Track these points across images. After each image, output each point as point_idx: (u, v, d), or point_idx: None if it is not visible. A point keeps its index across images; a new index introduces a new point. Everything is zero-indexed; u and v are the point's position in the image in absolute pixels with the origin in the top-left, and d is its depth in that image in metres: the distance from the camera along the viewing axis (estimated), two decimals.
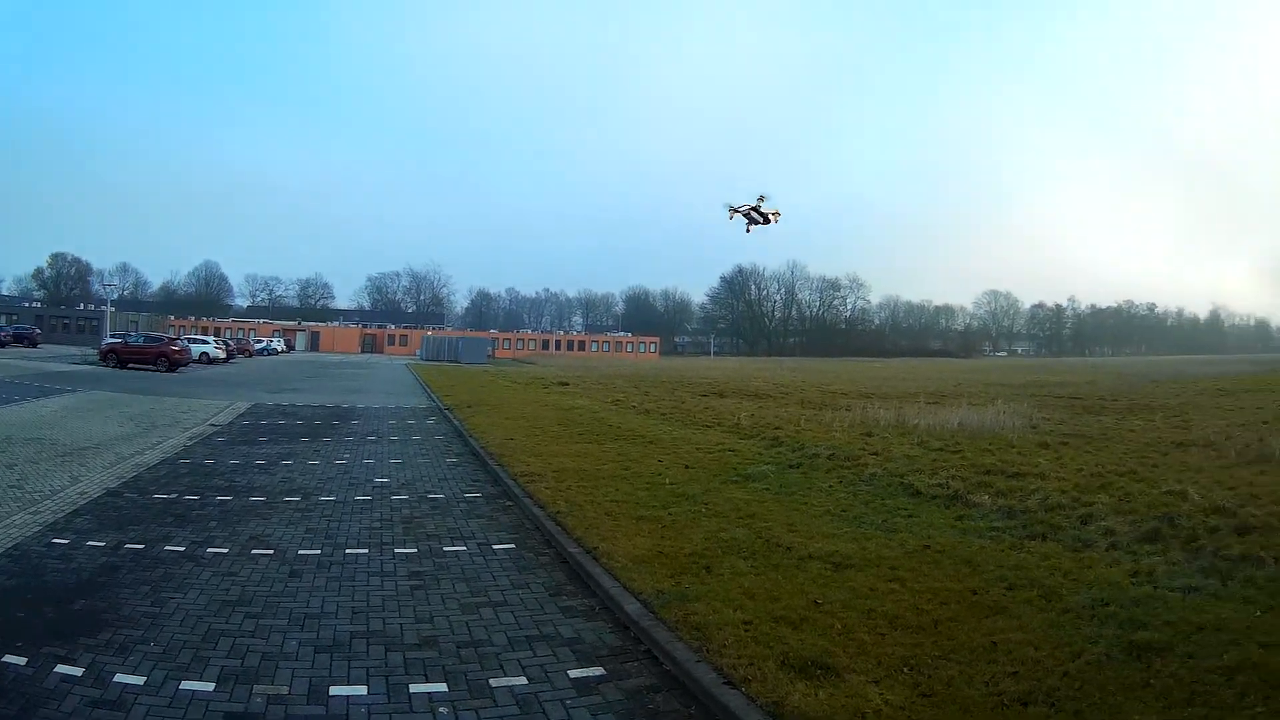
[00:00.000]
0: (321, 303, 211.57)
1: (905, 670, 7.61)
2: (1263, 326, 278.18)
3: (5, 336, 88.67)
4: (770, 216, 29.84)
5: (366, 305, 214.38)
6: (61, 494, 15.42)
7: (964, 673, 7.52)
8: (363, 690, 7.65)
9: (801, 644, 8.17)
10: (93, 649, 8.30)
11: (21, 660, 7.93)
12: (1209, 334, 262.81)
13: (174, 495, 15.92)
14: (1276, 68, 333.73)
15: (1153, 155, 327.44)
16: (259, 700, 7.34)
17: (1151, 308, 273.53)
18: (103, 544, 12.25)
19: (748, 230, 29.97)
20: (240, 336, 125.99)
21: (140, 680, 7.62)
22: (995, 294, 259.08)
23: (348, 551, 12.53)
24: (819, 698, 7.05)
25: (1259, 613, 8.88)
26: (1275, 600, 9.25)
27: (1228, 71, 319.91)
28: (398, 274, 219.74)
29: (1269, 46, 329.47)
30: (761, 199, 29.74)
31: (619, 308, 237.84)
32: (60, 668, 7.80)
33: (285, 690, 7.56)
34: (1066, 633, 8.45)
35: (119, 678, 7.65)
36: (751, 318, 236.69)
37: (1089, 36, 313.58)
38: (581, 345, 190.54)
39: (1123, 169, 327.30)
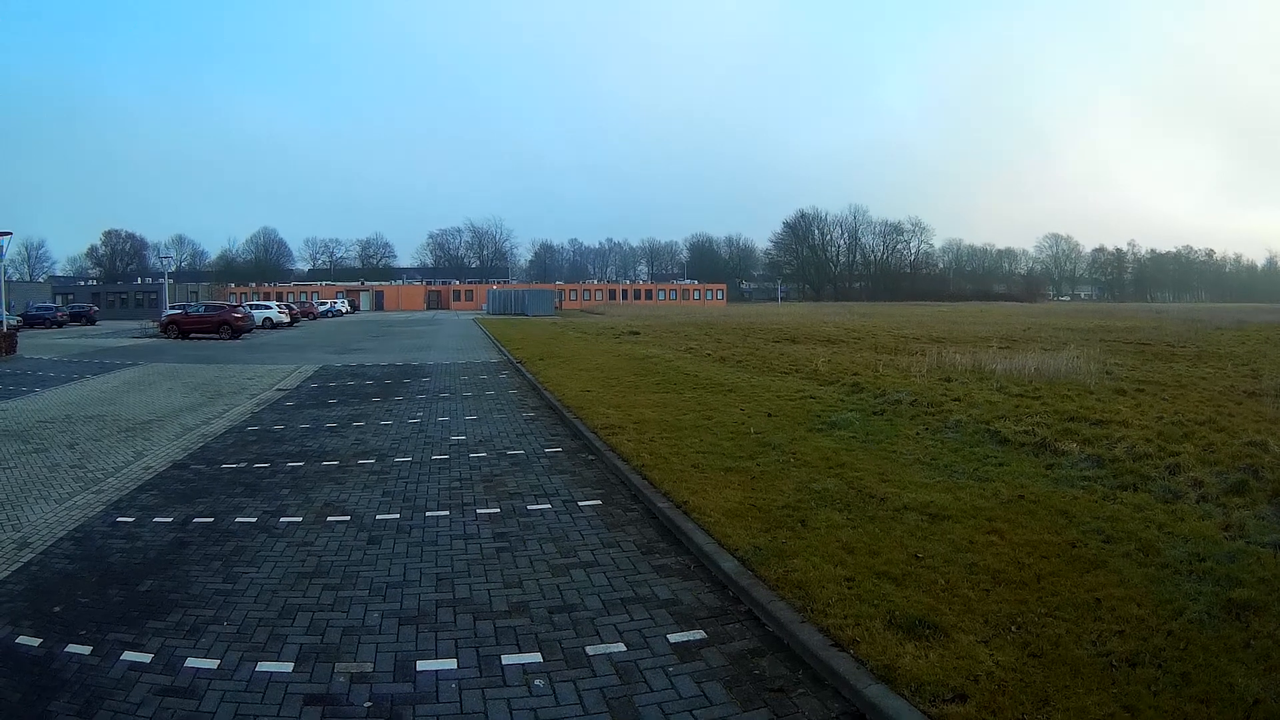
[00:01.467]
0: (384, 262, 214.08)
1: (1012, 629, 7.42)
2: None
3: (62, 316, 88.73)
4: None
5: (429, 262, 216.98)
6: (125, 470, 15.22)
7: (1071, 631, 7.33)
8: (452, 664, 7.31)
9: (906, 601, 7.95)
10: (162, 633, 8.02)
11: (86, 650, 7.66)
12: (1266, 281, 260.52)
13: (243, 464, 15.71)
14: None
15: (1199, 98, 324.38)
16: (341, 680, 7.02)
17: (1210, 254, 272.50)
18: (170, 520, 12.02)
19: None
20: (303, 300, 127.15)
21: (213, 664, 7.31)
22: (1057, 238, 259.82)
23: (428, 514, 12.25)
24: (930, 659, 6.84)
25: None
26: None
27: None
28: (459, 230, 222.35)
29: None
30: None
31: (683, 255, 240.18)
32: (128, 654, 7.50)
33: (369, 667, 7.24)
34: (1167, 589, 8.22)
35: (190, 662, 7.35)
36: (816, 263, 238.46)
37: None
38: (648, 294, 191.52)
39: (1175, 110, 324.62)
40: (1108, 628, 7.34)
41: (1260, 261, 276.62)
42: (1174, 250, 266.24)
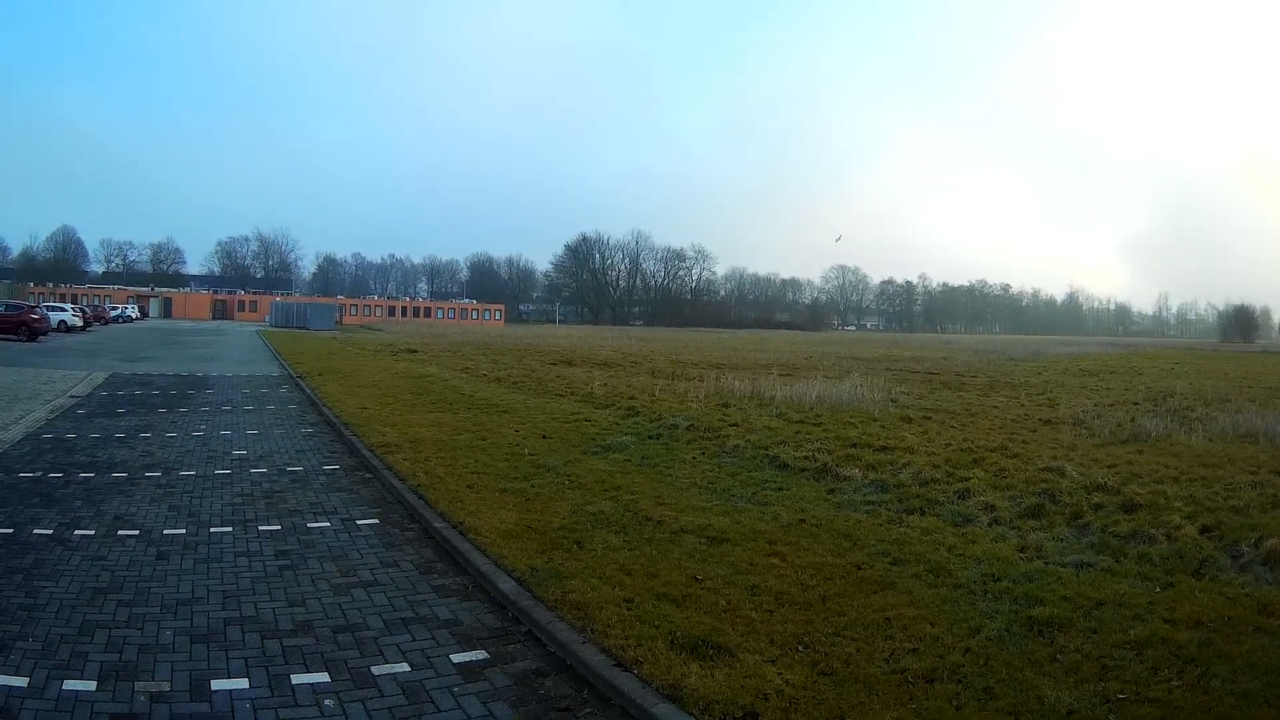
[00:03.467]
0: (174, 268, 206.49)
1: (800, 648, 7.46)
2: (1123, 310, 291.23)
3: None
4: None
5: (216, 270, 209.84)
6: None
7: (861, 650, 7.41)
8: (244, 683, 7.26)
9: (688, 622, 8.00)
10: None
11: None
12: (1067, 315, 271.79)
13: (39, 473, 15.19)
14: (1129, 47, 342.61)
15: (1004, 134, 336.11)
16: (142, 699, 6.92)
17: (1006, 288, 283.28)
18: None
19: None
20: (96, 303, 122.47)
21: (23, 681, 7.14)
22: (844, 269, 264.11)
23: (213, 530, 12.04)
24: (716, 679, 6.86)
25: (1159, 589, 8.96)
26: (1173, 577, 9.34)
27: (1080, 50, 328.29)
28: (247, 238, 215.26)
29: (1116, 24, 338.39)
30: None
31: (463, 274, 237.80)
32: None
33: (167, 686, 7.15)
34: (961, 608, 8.39)
35: (1, 679, 7.16)
36: (596, 286, 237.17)
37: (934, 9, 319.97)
38: (428, 312, 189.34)
39: (974, 148, 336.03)
40: (900, 646, 7.45)
41: (1060, 296, 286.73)
42: (968, 284, 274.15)
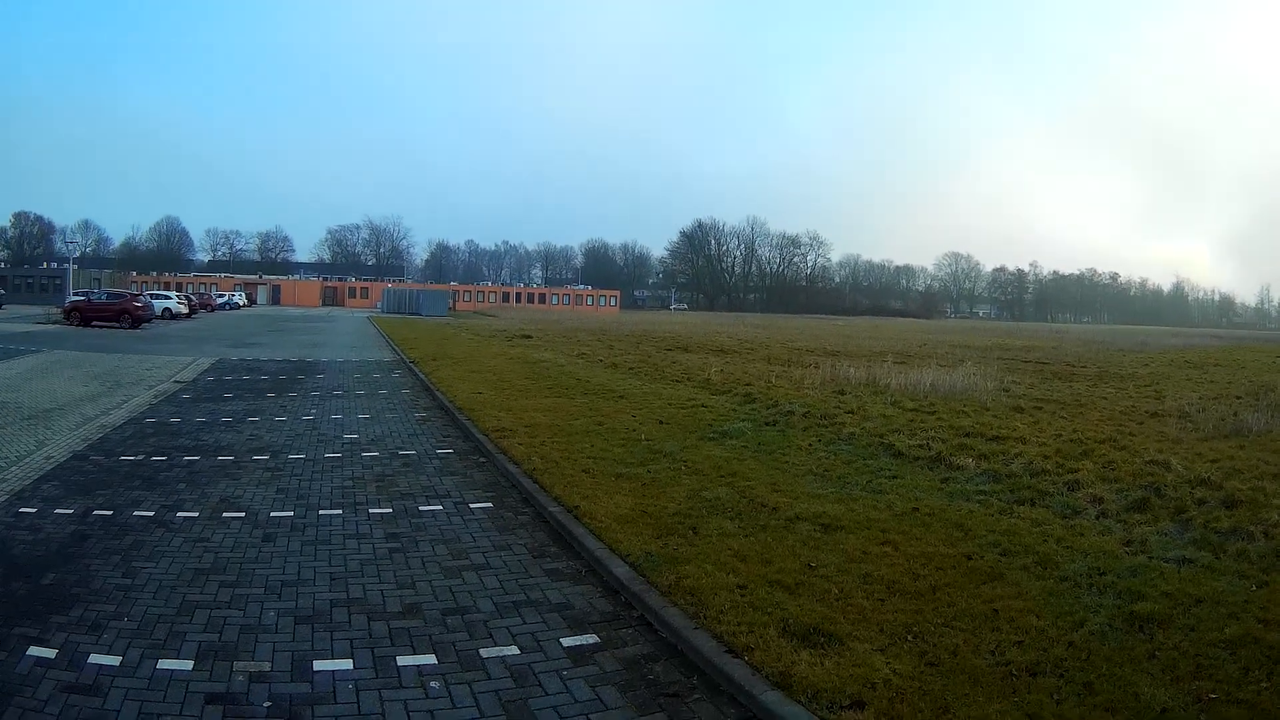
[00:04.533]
0: (282, 256, 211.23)
1: (909, 638, 7.42)
2: (1226, 302, 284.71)
3: None
4: None
5: (326, 258, 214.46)
6: (28, 460, 14.84)
7: (968, 641, 7.36)
8: (348, 664, 7.26)
9: (800, 610, 7.94)
10: (65, 627, 7.82)
11: None
12: (1172, 306, 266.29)
13: (141, 457, 15.39)
14: (1236, 44, 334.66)
15: (1114, 126, 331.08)
16: (240, 678, 6.92)
17: (1115, 277, 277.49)
18: (71, 511, 11.73)
19: None
20: (202, 291, 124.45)
21: (115, 661, 7.15)
22: (957, 256, 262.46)
23: (321, 513, 12.12)
24: (825, 667, 6.82)
25: (1254, 587, 8.74)
26: (1269, 575, 9.10)
27: (1190, 44, 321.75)
28: (357, 226, 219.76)
29: (1226, 23, 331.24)
30: None
31: (578, 261, 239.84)
32: (33, 650, 7.31)
33: (267, 666, 7.14)
34: (1066, 601, 8.31)
35: (94, 658, 7.18)
36: (711, 273, 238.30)
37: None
38: (542, 298, 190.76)
39: (1085, 139, 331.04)
40: (1006, 638, 7.41)
41: (1166, 286, 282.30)
42: (1077, 273, 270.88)
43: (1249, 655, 7.05)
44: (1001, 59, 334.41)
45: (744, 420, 19.14)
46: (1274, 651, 7.11)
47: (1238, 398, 25.85)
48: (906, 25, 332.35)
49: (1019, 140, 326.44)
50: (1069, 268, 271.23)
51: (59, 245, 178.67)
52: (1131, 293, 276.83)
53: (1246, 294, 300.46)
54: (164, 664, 7.13)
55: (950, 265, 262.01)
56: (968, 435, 16.96)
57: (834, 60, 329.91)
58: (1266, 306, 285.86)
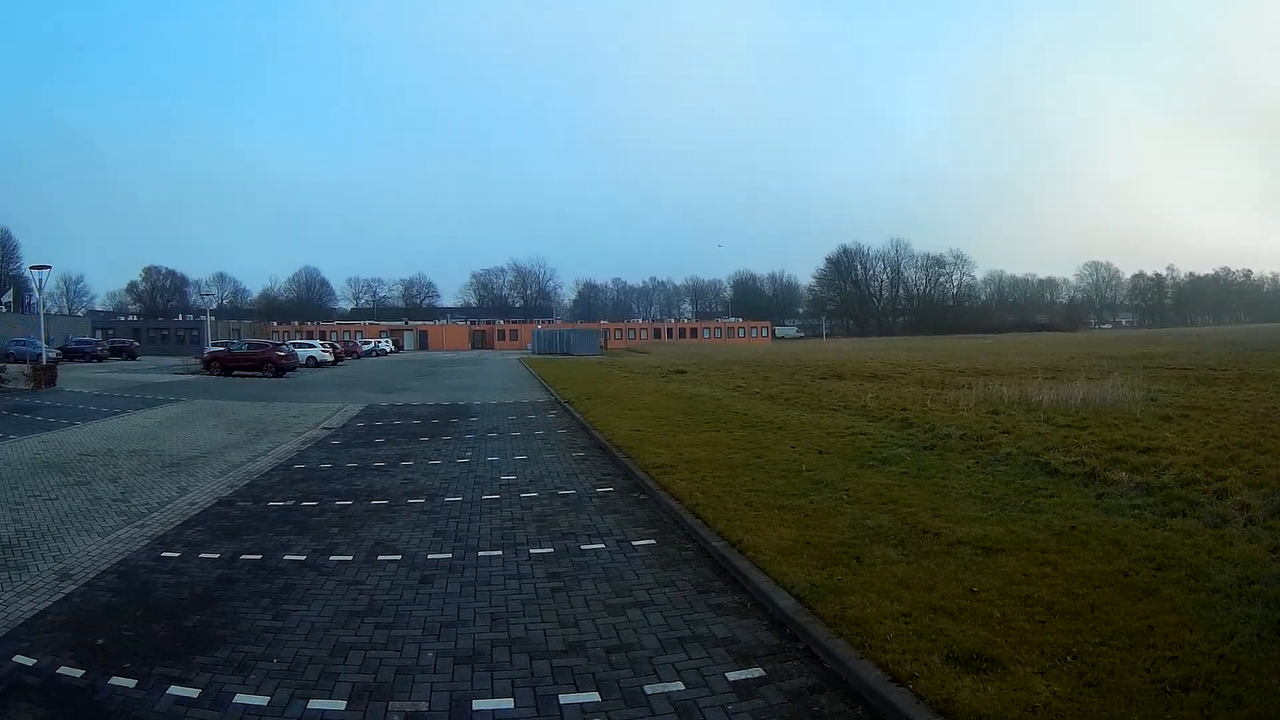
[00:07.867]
0: (427, 302, 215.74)
1: (1068, 659, 7.53)
2: None
3: (102, 350, 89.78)
4: None
5: (472, 302, 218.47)
6: (170, 506, 15.30)
7: (1125, 659, 7.45)
8: (509, 704, 7.26)
9: (963, 635, 8.08)
10: (209, 668, 8.01)
11: (130, 682, 7.67)
12: None
13: (290, 502, 15.75)
14: None
15: (1240, 110, 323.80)
16: (395, 718, 6.97)
17: (1247, 274, 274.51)
18: (216, 555, 12.07)
19: None
20: (347, 339, 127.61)
21: (263, 700, 7.30)
22: (1096, 265, 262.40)
23: (480, 554, 12.21)
24: (988, 692, 6.95)
25: None
26: None
27: None
28: (502, 269, 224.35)
29: None
30: None
31: (727, 293, 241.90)
32: (174, 689, 7.50)
33: (424, 706, 7.19)
34: (1218, 613, 8.41)
35: (239, 698, 7.34)
36: (859, 298, 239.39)
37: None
38: (693, 332, 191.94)
39: (1211, 126, 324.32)
40: (1160, 654, 7.47)
41: None
42: (1212, 273, 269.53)
43: None
44: (1121, 57, 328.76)
45: (902, 446, 19.36)
46: None
47: None
48: (1027, 33, 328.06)
49: (1140, 131, 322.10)
50: (1203, 267, 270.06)
51: (193, 298, 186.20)
52: (1265, 289, 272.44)
53: None
54: (315, 704, 7.22)
55: (1091, 275, 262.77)
56: (1119, 449, 17.34)
57: (955, 69, 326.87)
58: None
